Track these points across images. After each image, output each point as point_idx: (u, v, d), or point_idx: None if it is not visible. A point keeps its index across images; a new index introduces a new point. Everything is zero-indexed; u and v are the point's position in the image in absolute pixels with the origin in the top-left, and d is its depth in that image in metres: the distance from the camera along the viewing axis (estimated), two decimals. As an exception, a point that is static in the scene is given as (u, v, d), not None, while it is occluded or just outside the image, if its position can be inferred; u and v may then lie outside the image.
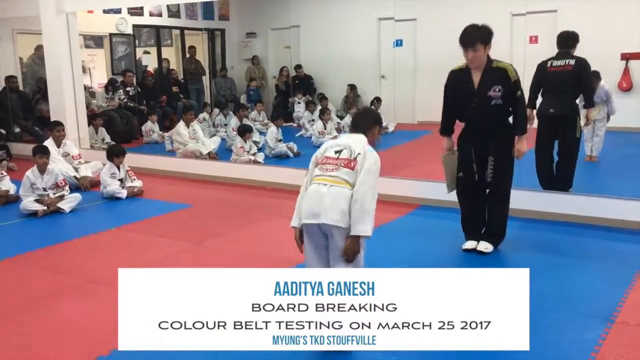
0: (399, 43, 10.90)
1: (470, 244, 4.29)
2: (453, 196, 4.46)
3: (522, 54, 9.16)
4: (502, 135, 4.07)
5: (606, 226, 4.89)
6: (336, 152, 2.86)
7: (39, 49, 9.29)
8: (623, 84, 8.84)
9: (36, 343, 3.20)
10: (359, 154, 2.83)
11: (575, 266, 4.06)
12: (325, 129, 9.19)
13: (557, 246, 4.54)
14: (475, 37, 3.91)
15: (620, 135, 7.31)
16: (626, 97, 8.72)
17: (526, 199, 5.27)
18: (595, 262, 4.14)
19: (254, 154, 7.82)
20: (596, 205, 5.07)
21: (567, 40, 5.51)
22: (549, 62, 5.50)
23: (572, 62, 5.39)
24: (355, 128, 3.03)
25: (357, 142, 2.89)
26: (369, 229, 2.74)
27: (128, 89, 10.41)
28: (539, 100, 5.68)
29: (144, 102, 10.66)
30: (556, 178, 5.60)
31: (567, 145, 5.57)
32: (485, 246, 4.23)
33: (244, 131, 7.79)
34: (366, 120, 3.05)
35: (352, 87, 11.15)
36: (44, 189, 5.95)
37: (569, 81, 5.37)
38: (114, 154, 6.48)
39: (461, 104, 4.11)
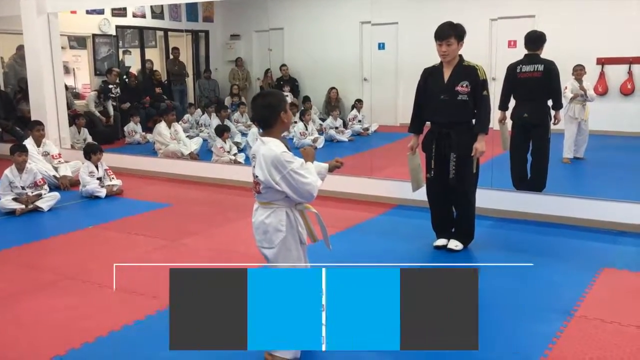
0: (381, 46, 11.04)
1: (440, 242, 4.39)
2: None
3: (501, 58, 9.33)
4: (464, 132, 4.13)
5: (575, 225, 5.02)
6: (253, 166, 2.78)
7: (21, 49, 9.28)
8: (599, 88, 9.01)
9: (8, 335, 3.24)
10: (257, 176, 2.74)
11: (542, 263, 4.15)
12: (307, 129, 9.28)
13: (526, 244, 4.66)
14: (450, 31, 4.06)
15: (594, 138, 7.47)
16: (601, 101, 8.89)
17: (499, 198, 5.41)
18: (561, 260, 4.25)
19: (234, 155, 7.88)
20: (565, 205, 5.20)
21: (535, 41, 5.63)
22: (519, 67, 5.62)
23: (541, 67, 5.52)
24: (261, 126, 2.79)
25: (261, 156, 2.70)
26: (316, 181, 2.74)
27: (110, 86, 10.42)
28: (512, 104, 5.82)
29: (127, 102, 10.68)
30: (530, 179, 5.73)
31: (540, 147, 5.70)
32: (455, 244, 4.34)
33: (222, 131, 7.86)
34: (268, 113, 2.73)
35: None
36: (23, 188, 5.97)
37: (539, 88, 5.51)
38: (91, 152, 6.54)
39: (430, 97, 4.22)
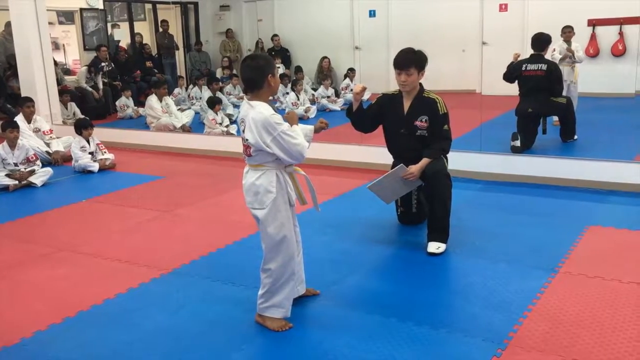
0: (372, 13, 10.94)
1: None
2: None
3: (491, 21, 9.27)
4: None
5: (563, 186, 5.09)
6: (242, 130, 2.80)
7: (9, 25, 9.20)
8: (590, 50, 8.98)
9: (4, 305, 3.29)
10: (247, 140, 2.74)
11: (529, 223, 4.22)
12: (298, 99, 9.26)
13: (514, 205, 4.71)
14: (411, 60, 3.81)
15: (586, 100, 7.48)
16: (593, 63, 8.88)
17: (488, 162, 5.46)
18: (548, 219, 4.31)
19: (226, 126, 7.89)
20: (555, 166, 5.26)
21: (540, 43, 6.22)
22: (524, 66, 6.21)
23: (544, 67, 6.14)
24: (249, 88, 2.79)
25: (250, 119, 2.71)
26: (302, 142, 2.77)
27: (102, 64, 10.35)
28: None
29: (117, 77, 10.62)
30: (562, 131, 6.46)
31: (562, 112, 6.33)
32: (436, 246, 3.80)
33: (214, 103, 7.86)
34: (257, 75, 2.75)
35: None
36: (15, 164, 6.00)
37: (542, 84, 6.13)
38: (82, 127, 6.56)
39: (390, 130, 4.05)
